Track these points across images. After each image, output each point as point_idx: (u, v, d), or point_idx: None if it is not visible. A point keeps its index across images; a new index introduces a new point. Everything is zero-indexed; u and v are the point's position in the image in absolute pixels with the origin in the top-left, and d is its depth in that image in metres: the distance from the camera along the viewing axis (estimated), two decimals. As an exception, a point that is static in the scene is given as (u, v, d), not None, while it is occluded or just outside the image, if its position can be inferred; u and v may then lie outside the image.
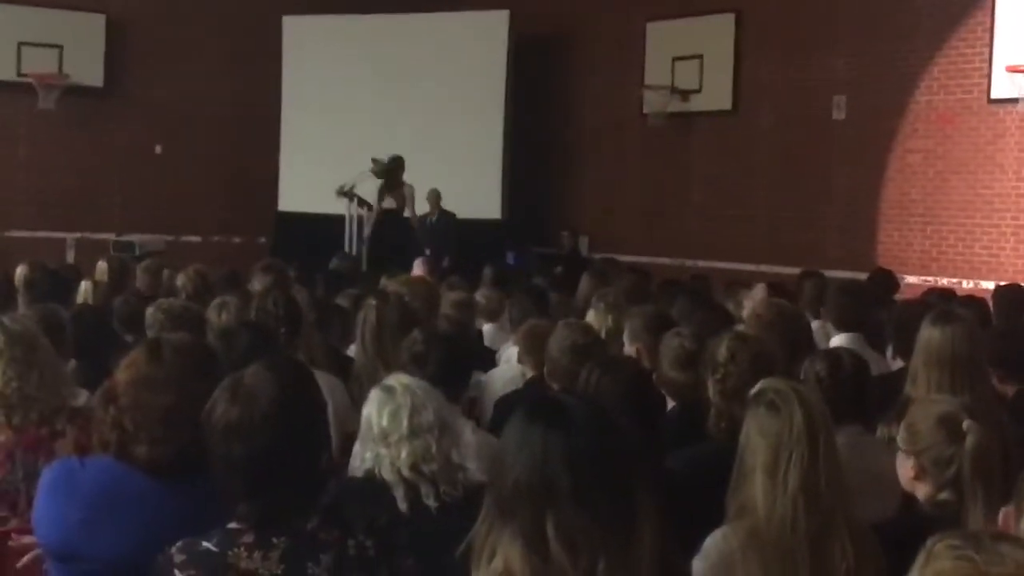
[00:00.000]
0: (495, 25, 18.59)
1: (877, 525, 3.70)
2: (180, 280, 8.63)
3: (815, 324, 7.72)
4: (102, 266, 10.33)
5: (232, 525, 3.00)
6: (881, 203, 15.33)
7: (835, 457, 3.62)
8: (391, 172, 15.49)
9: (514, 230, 18.60)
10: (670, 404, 5.29)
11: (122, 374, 3.47)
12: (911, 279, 14.24)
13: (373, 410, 4.08)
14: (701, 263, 16.49)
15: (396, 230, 15.45)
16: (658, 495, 3.25)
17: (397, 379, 4.20)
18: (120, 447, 3.37)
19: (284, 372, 3.12)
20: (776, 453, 3.52)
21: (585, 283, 9.60)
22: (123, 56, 18.67)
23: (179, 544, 2.97)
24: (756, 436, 3.58)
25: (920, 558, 1.99)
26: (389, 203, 15.57)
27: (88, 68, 18.33)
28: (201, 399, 3.12)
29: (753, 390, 3.77)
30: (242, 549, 2.95)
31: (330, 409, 5.45)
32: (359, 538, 3.08)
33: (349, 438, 5.31)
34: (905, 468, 3.91)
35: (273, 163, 19.16)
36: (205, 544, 2.96)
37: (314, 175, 17.59)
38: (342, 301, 7.98)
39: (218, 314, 6.56)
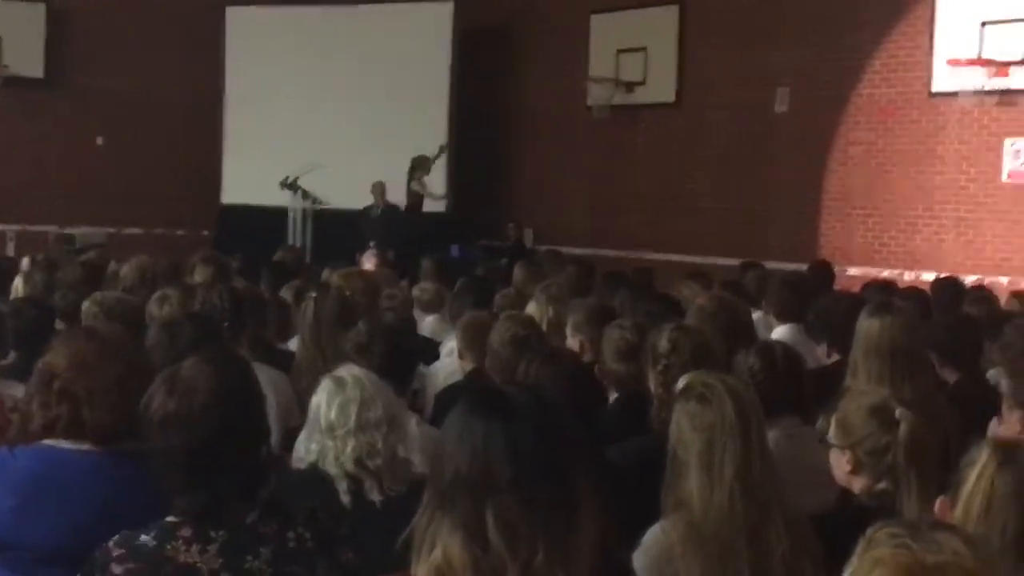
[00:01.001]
0: (439, 17, 18.57)
1: (814, 516, 3.73)
2: (121, 272, 8.57)
3: (756, 315, 7.77)
4: (25, 261, 10.29)
5: (170, 518, 2.99)
6: (824, 195, 15.44)
7: (767, 448, 3.64)
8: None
9: (459, 222, 18.59)
10: (613, 396, 5.31)
11: (57, 357, 3.46)
12: (853, 270, 14.36)
13: (322, 401, 4.06)
14: (646, 255, 16.53)
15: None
16: (599, 487, 3.28)
17: (349, 371, 4.16)
18: (71, 419, 3.35)
19: (222, 364, 3.11)
20: (710, 446, 3.54)
21: (519, 274, 9.62)
22: (64, 47, 18.50)
23: (116, 538, 2.95)
24: (688, 430, 3.59)
25: (860, 546, 2.02)
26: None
27: (28, 59, 18.16)
28: (144, 376, 3.11)
29: (681, 385, 3.79)
30: (180, 542, 2.94)
31: (273, 403, 5.49)
32: (299, 531, 3.07)
33: (292, 432, 5.29)
34: (840, 463, 3.93)
35: (216, 155, 19.07)
36: (143, 538, 2.95)
37: (258, 167, 17.54)
38: (285, 294, 7.95)
39: (160, 307, 6.50)
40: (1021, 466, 3.05)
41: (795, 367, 4.90)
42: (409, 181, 16.63)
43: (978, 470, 3.03)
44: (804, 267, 11.46)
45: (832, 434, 3.96)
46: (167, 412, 2.98)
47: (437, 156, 17.34)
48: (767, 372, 4.67)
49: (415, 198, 16.80)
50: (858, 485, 3.89)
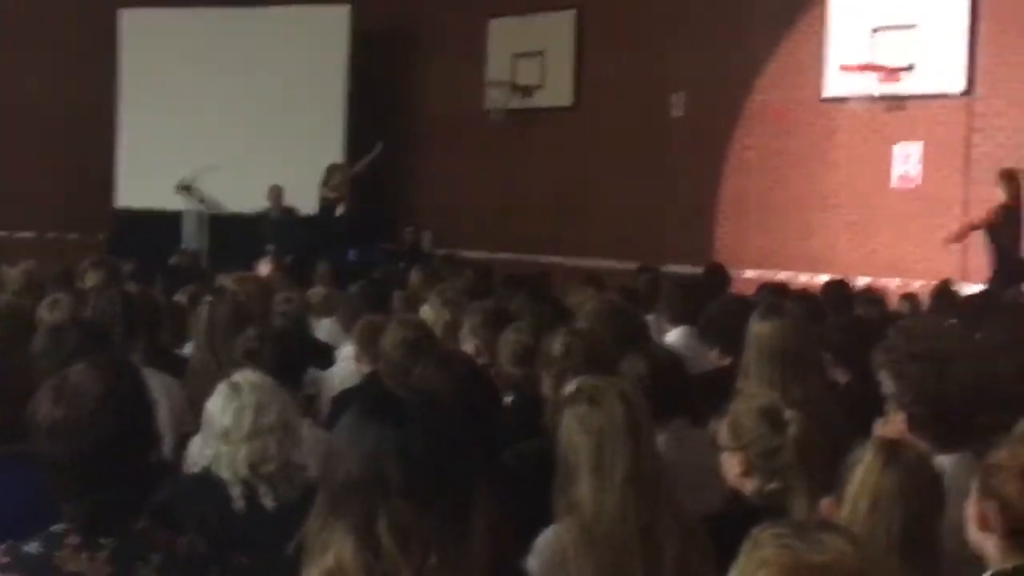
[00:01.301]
0: (336, 20, 18.51)
1: (706, 516, 3.76)
2: (8, 277, 8.45)
3: (650, 318, 7.82)
4: None
5: (58, 526, 2.95)
6: (719, 198, 15.60)
7: (656, 450, 3.68)
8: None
9: (357, 226, 18.53)
10: (508, 399, 5.32)
11: None
12: (749, 273, 14.49)
13: (217, 406, 4.03)
14: (544, 259, 16.59)
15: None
16: (494, 490, 3.29)
17: (245, 376, 4.13)
18: None
19: (110, 370, 3.07)
20: (600, 449, 3.55)
21: (415, 278, 9.62)
22: (-46, 49, 18.20)
23: (2, 547, 2.91)
24: (578, 433, 3.60)
25: (746, 546, 2.05)
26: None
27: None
28: (28, 381, 3.07)
29: (569, 389, 3.81)
30: (68, 551, 2.90)
31: (166, 408, 5.44)
32: (189, 536, 3.05)
33: (185, 438, 5.25)
34: (731, 465, 3.96)
35: (110, 158, 18.82)
36: (30, 546, 2.91)
37: (153, 171, 17.36)
38: (180, 298, 7.88)
39: (50, 311, 6.43)
40: (905, 465, 3.10)
41: (681, 370, 4.95)
42: (323, 185, 16.60)
43: (863, 470, 3.08)
44: (701, 270, 11.57)
45: (724, 437, 3.99)
46: (54, 419, 2.94)
47: (374, 156, 17.31)
48: (654, 376, 4.69)
49: (326, 203, 16.70)
50: (750, 487, 3.92)
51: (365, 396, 2.72)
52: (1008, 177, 12.58)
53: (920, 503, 3.09)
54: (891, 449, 3.14)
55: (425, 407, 2.56)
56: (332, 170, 16.97)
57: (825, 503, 3.17)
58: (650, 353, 4.98)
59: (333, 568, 2.41)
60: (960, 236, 12.79)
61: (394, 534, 2.39)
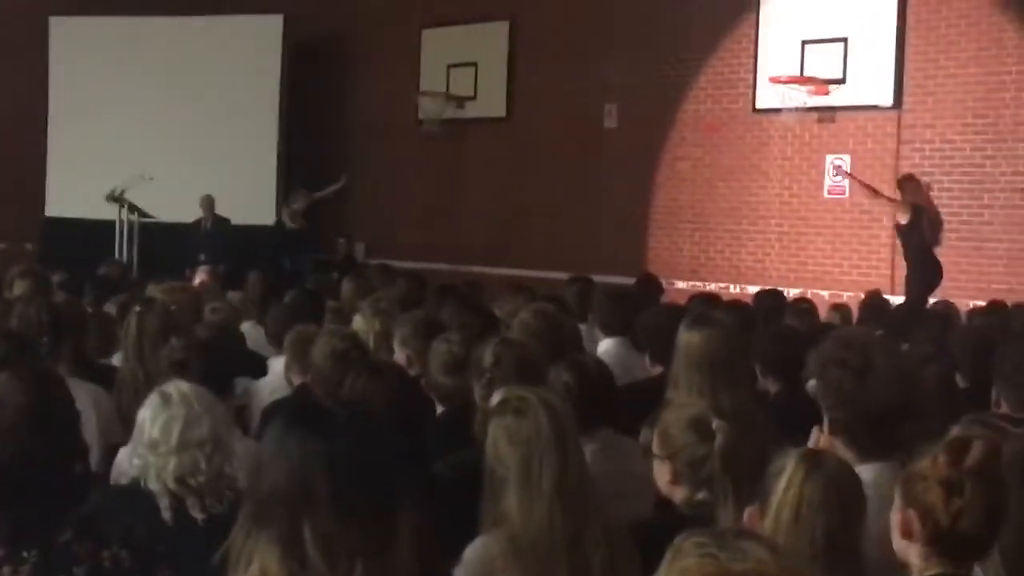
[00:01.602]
0: (269, 29, 18.45)
1: (633, 525, 3.77)
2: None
3: (583, 328, 7.83)
4: None
5: (-20, 541, 2.92)
6: (651, 209, 15.67)
7: (583, 459, 3.68)
8: None
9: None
10: (440, 410, 5.31)
11: None
12: (681, 284, 14.60)
13: (147, 417, 3.96)
14: (477, 269, 16.60)
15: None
16: (424, 501, 3.28)
17: (176, 387, 4.05)
18: None
19: (33, 380, 3.05)
20: (527, 460, 3.55)
21: (347, 288, 9.59)
22: None
23: (-76, 560, 2.88)
24: (505, 445, 3.60)
25: (667, 556, 2.04)
26: None
27: None
28: None
29: (495, 400, 3.80)
30: (-10, 564, 2.88)
31: (93, 419, 5.39)
32: (114, 549, 3.03)
33: (113, 449, 5.20)
34: (661, 473, 3.98)
35: (41, 167, 18.61)
36: (-49, 559, 2.88)
37: (84, 180, 17.18)
38: (110, 308, 7.80)
39: (-26, 321, 6.36)
40: (826, 475, 3.12)
41: (608, 380, 4.96)
42: (285, 206, 16.83)
43: (786, 480, 3.10)
44: (633, 281, 11.60)
45: (654, 445, 4.01)
46: (-26, 431, 2.91)
47: (338, 187, 17.43)
48: (581, 386, 4.69)
49: (284, 227, 16.96)
50: (679, 495, 3.94)
51: (291, 408, 2.71)
52: (908, 179, 12.84)
53: (842, 512, 3.11)
54: (813, 459, 3.17)
55: (351, 418, 2.57)
56: (295, 195, 17.07)
57: (749, 512, 3.19)
58: (576, 363, 4.98)
59: None
60: (865, 187, 13.11)
61: (320, 545, 2.39)
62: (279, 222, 17.52)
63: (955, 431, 3.74)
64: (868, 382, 3.91)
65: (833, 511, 3.08)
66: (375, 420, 2.79)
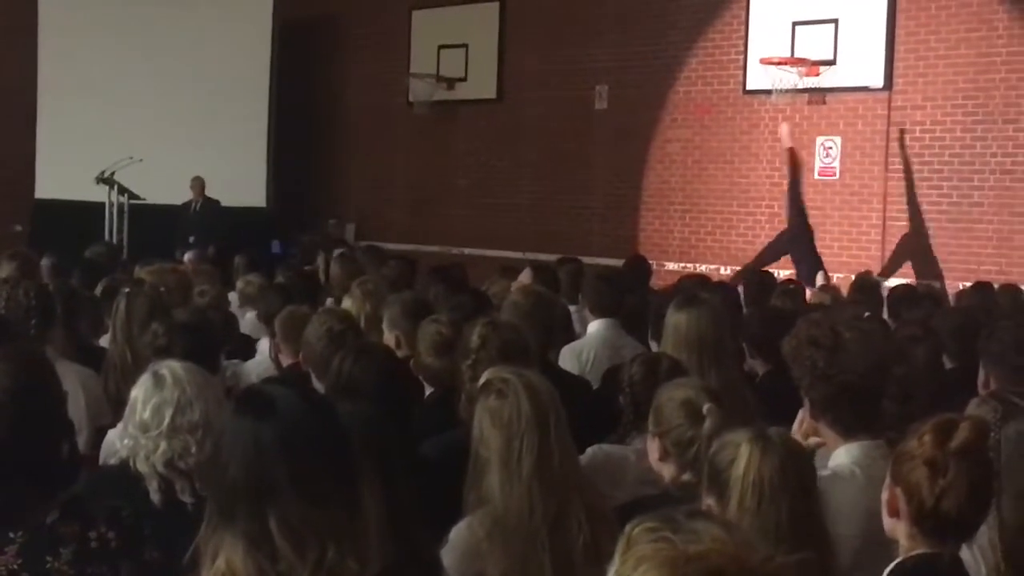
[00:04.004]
0: (260, 8, 18.40)
1: (620, 506, 3.79)
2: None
3: (572, 309, 7.84)
4: None
5: (-33, 520, 2.92)
6: (642, 191, 15.66)
7: (566, 441, 3.69)
8: None
9: (280, 217, 18.45)
10: (429, 391, 5.32)
11: None
12: (671, 266, 14.61)
13: (139, 397, 3.94)
14: (467, 251, 16.61)
15: None
16: (410, 481, 3.28)
17: (170, 367, 3.98)
18: None
19: (18, 363, 3.04)
20: (508, 442, 3.57)
21: (335, 269, 9.58)
22: None
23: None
24: (488, 427, 3.63)
25: (620, 544, 1.97)
26: None
27: None
28: None
29: (480, 381, 3.81)
30: (-23, 544, 2.88)
31: (81, 401, 5.38)
32: (101, 530, 3.02)
33: (102, 431, 5.19)
34: (652, 449, 4.02)
35: (30, 148, 18.54)
36: (-62, 541, 2.88)
37: (74, 161, 17.10)
38: (98, 290, 7.79)
39: (-40, 304, 6.33)
40: (781, 454, 3.11)
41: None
42: None
43: (743, 465, 3.09)
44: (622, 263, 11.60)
45: (649, 421, 4.03)
46: (-40, 413, 2.91)
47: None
48: (647, 383, 4.58)
49: None
50: (667, 473, 3.97)
51: (240, 394, 2.69)
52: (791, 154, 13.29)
53: (802, 491, 3.11)
54: (764, 441, 3.12)
55: (300, 397, 2.55)
56: None
57: (706, 506, 3.16)
58: (651, 359, 4.91)
59: (225, 572, 2.40)
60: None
61: (287, 533, 2.38)
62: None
63: (972, 407, 3.77)
64: (839, 358, 3.93)
65: (795, 491, 3.08)
66: (315, 395, 2.75)
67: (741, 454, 3.09)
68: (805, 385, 4.02)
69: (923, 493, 2.95)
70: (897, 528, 3.05)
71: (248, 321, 8.34)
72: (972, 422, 3.05)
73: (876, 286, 10.24)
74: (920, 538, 2.99)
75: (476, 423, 3.67)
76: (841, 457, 3.88)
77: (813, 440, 3.98)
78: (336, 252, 11.26)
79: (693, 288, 7.61)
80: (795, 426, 4.07)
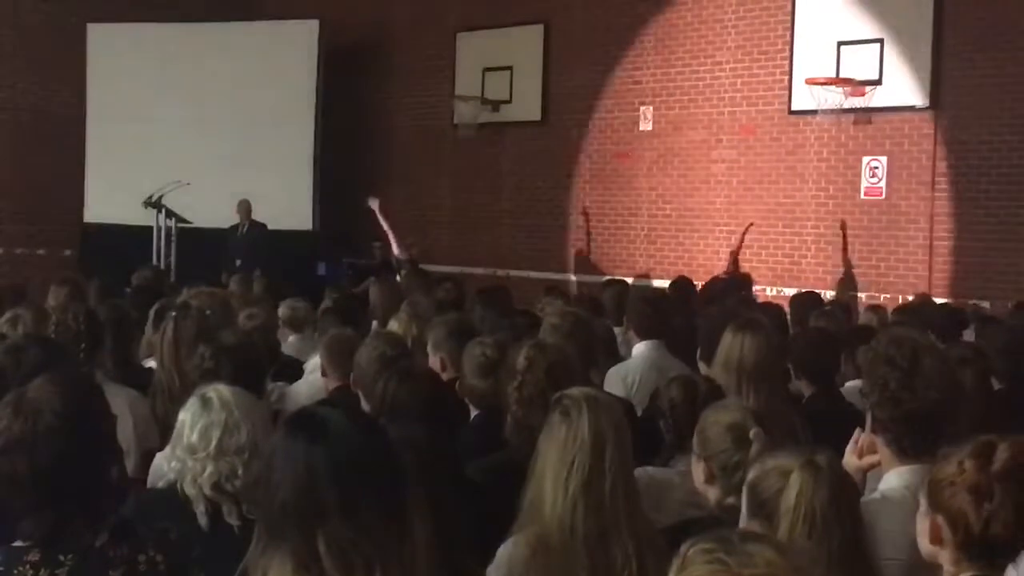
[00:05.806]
0: (305, 34, 18.46)
1: (668, 528, 3.77)
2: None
3: (618, 331, 7.83)
4: None
5: (18, 542, 2.94)
6: (687, 212, 15.61)
7: (625, 467, 3.66)
8: None
9: (326, 241, 18.51)
10: (474, 413, 5.31)
11: None
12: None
13: (187, 420, 3.98)
14: (513, 273, 16.61)
15: None
16: (456, 503, 3.29)
17: (217, 391, 4.05)
18: None
19: (69, 385, 3.06)
20: (561, 459, 3.57)
21: (374, 292, 9.57)
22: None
23: (-38, 562, 2.90)
24: (546, 442, 3.63)
25: (675, 563, 2.01)
26: None
27: None
28: None
29: (555, 397, 3.81)
30: (28, 567, 2.89)
31: (129, 424, 5.41)
32: (150, 553, 3.03)
33: (149, 453, 5.22)
34: (697, 472, 4.01)
35: (79, 173, 18.69)
36: (-9, 561, 2.89)
37: (122, 186, 17.21)
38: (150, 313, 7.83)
39: (12, 328, 6.39)
40: (831, 483, 3.08)
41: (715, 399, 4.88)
42: None
43: (795, 494, 3.06)
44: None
45: (694, 443, 4.02)
46: (11, 435, 2.93)
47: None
48: (687, 406, 4.62)
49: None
50: (712, 496, 3.96)
51: (291, 416, 2.70)
52: None
53: (852, 520, 3.09)
54: (814, 469, 3.11)
55: (351, 420, 2.55)
56: None
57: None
58: (689, 381, 4.94)
59: None
60: None
61: (335, 555, 2.38)
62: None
63: None
64: (914, 383, 3.85)
65: (845, 521, 3.06)
66: (367, 419, 2.76)
67: (792, 483, 3.06)
68: (873, 401, 3.94)
69: (970, 519, 2.91)
70: (940, 555, 3.02)
71: (291, 344, 8.38)
72: (1010, 442, 3.01)
73: (932, 308, 10.13)
74: (966, 563, 2.96)
75: (541, 436, 3.68)
76: (892, 480, 3.83)
77: (869, 459, 3.93)
78: (371, 277, 11.29)
79: (723, 292, 7.56)
80: (850, 445, 4.02)
